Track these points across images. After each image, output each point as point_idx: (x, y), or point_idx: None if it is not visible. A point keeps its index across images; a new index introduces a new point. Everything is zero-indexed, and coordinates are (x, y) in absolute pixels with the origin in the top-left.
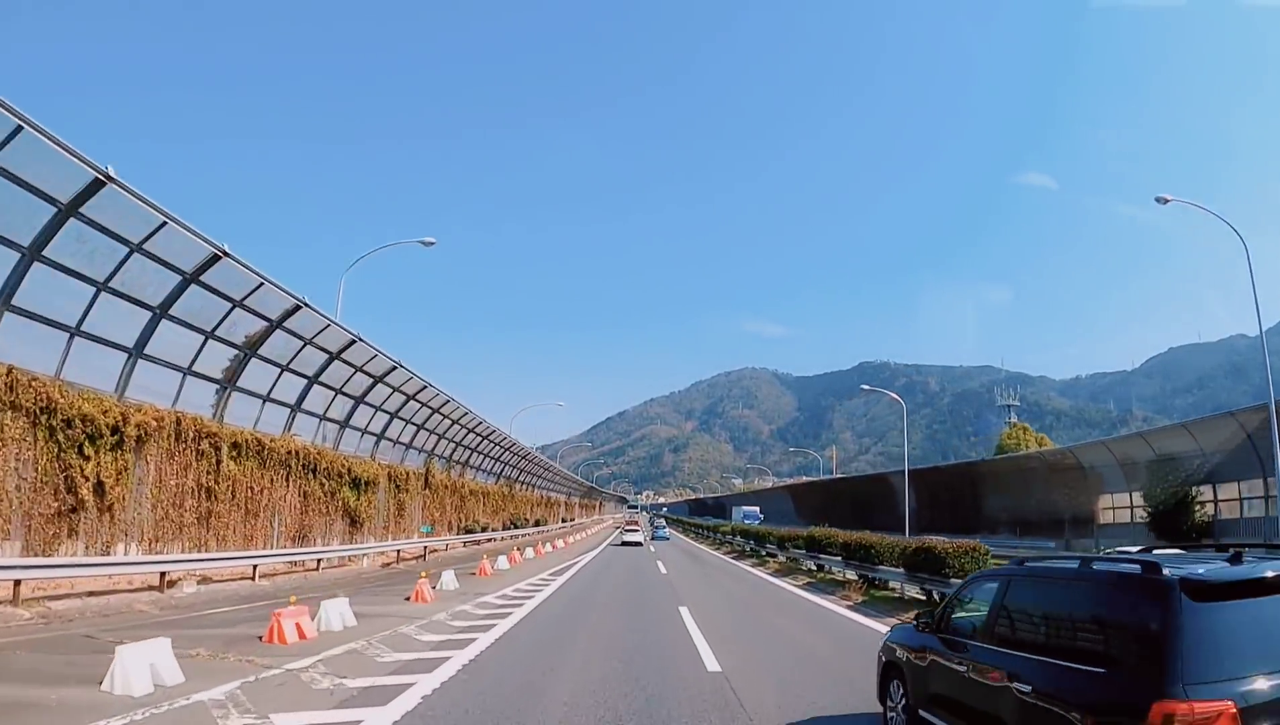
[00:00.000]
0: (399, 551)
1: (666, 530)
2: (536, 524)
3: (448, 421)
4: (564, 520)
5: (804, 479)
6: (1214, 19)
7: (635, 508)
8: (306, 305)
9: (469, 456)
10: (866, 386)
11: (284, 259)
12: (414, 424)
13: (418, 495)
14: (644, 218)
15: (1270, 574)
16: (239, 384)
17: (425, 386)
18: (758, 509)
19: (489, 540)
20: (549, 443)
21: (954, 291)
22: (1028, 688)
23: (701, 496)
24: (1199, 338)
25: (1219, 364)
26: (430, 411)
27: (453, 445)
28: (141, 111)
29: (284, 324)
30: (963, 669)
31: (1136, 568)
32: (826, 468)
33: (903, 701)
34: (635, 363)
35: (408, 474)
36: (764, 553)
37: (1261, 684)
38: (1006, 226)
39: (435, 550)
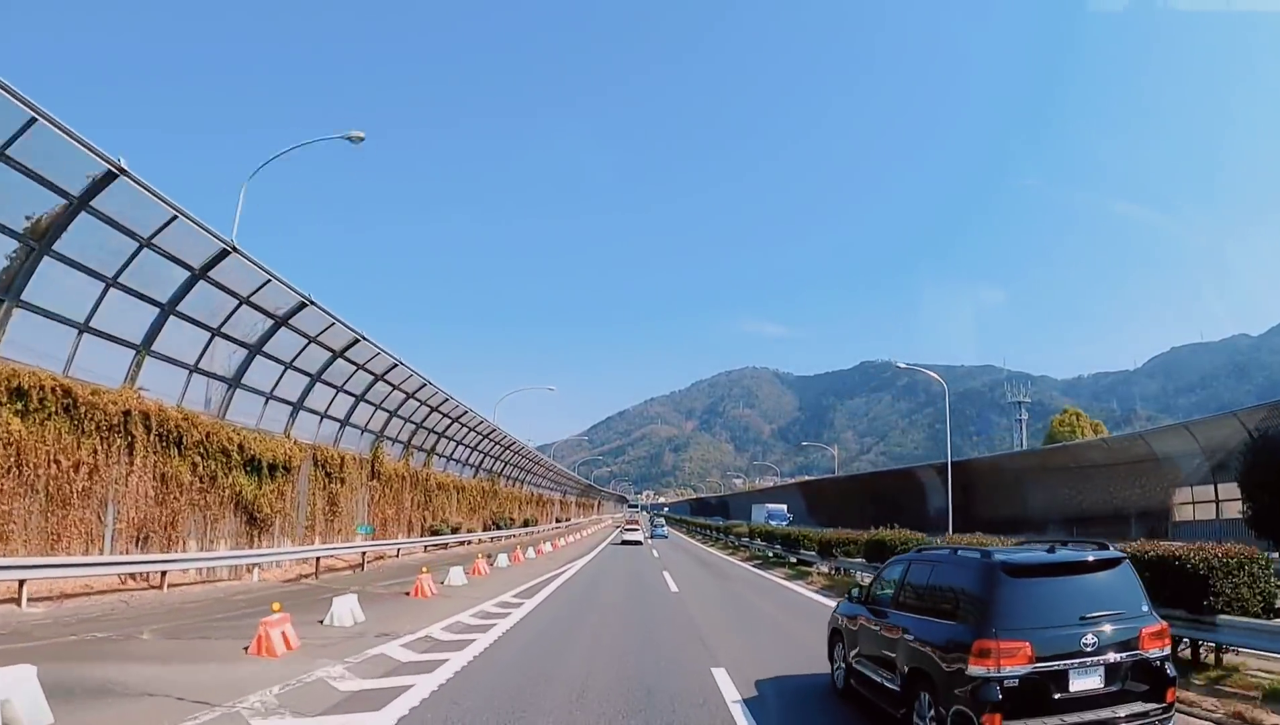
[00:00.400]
0: (319, 559)
1: (665, 529)
2: (525, 524)
3: (399, 394)
4: (558, 520)
5: (816, 476)
6: (1212, 20)
7: (635, 507)
8: (127, 174)
9: (435, 442)
10: (903, 364)
11: (284, 261)
12: (349, 393)
13: (361, 487)
14: (642, 216)
15: (1062, 560)
16: (25, 297)
17: (357, 340)
18: (785, 508)
19: (461, 544)
20: (548, 442)
21: (955, 291)
22: (911, 636)
23: (704, 496)
24: (1201, 337)
25: (1222, 364)
26: (372, 377)
27: (412, 427)
28: (138, 103)
29: (93, 205)
30: (878, 629)
31: (978, 553)
32: (833, 466)
33: (843, 657)
34: (635, 362)
35: (343, 459)
36: (795, 560)
37: (1051, 633)
38: (1008, 226)
39: (383, 557)
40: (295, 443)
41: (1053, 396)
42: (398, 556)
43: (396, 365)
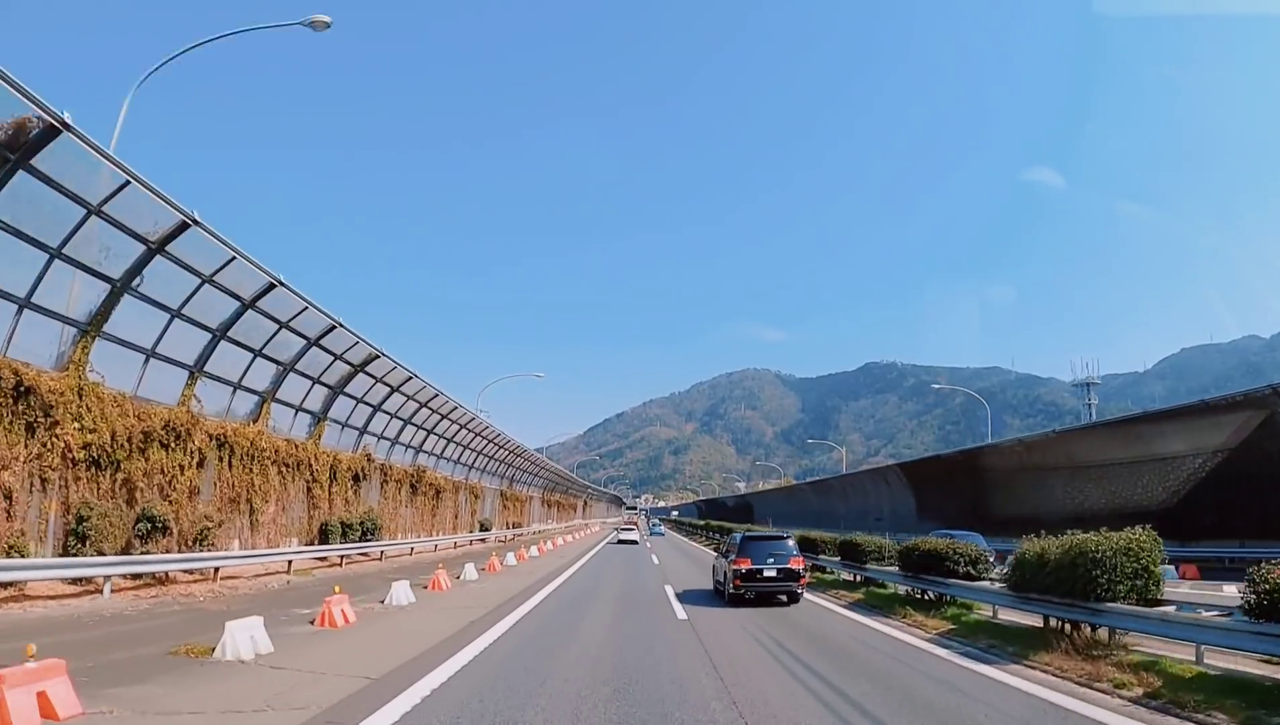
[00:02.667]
0: None
1: (663, 528)
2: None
3: None
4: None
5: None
6: (1216, 22)
7: (633, 509)
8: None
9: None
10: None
11: (297, 274)
12: None
13: None
14: (643, 213)
15: (766, 534)
16: None
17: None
18: None
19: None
20: (543, 445)
21: (961, 292)
22: (725, 562)
23: (717, 496)
24: (1210, 339)
25: (1234, 366)
26: None
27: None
28: (141, 115)
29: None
30: (722, 563)
31: (743, 532)
32: (855, 463)
33: (713, 579)
34: (634, 363)
35: None
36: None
37: (758, 557)
38: (1014, 227)
39: None
40: None
41: (1064, 397)
42: None
43: None
